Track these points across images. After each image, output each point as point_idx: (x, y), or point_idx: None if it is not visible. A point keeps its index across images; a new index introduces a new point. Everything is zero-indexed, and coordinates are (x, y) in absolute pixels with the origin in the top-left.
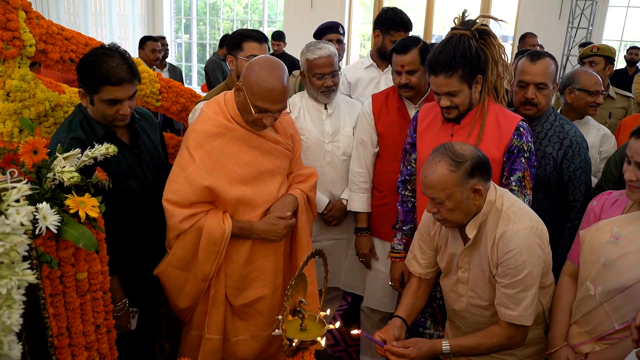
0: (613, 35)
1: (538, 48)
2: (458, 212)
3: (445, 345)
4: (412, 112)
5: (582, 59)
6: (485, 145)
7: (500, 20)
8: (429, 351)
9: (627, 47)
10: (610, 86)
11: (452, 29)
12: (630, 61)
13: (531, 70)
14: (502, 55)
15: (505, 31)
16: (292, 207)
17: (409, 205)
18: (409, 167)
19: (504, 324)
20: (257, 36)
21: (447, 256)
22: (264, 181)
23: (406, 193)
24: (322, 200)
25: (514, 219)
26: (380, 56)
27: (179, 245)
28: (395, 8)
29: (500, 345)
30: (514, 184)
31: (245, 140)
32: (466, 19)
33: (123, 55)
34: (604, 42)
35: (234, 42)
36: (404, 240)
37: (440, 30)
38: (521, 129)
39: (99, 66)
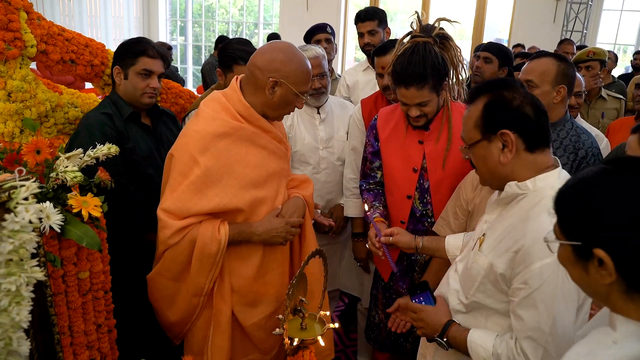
0: (607, 39)
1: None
2: None
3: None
4: None
5: (577, 64)
6: (458, 146)
7: (454, 22)
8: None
9: (634, 52)
10: (602, 88)
11: (413, 36)
12: (636, 66)
13: (525, 68)
14: (461, 58)
15: (499, 34)
16: (302, 211)
17: (376, 191)
18: (373, 175)
19: None
20: (247, 58)
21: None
22: (272, 185)
23: (370, 187)
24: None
25: None
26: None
27: (168, 256)
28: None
29: None
30: None
31: (252, 140)
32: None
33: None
34: (597, 46)
35: (224, 62)
36: (379, 210)
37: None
38: None
39: (139, 44)
